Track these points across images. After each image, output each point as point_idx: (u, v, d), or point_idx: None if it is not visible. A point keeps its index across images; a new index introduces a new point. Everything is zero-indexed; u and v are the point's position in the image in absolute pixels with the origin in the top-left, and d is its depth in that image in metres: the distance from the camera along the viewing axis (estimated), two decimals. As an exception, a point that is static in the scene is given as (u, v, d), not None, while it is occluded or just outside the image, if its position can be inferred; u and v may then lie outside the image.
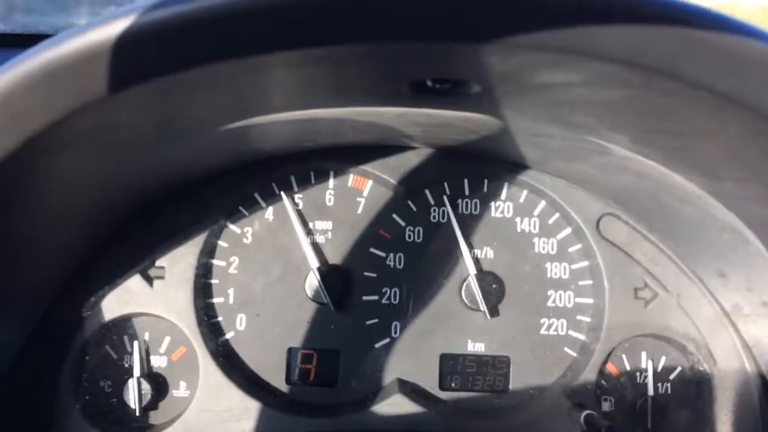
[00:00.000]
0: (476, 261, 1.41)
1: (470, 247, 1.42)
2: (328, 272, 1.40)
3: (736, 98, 0.80)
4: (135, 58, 0.77)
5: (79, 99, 0.79)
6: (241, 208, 1.44)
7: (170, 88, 0.87)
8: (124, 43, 0.75)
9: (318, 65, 0.89)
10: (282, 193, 1.44)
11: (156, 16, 0.74)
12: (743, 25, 0.77)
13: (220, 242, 1.43)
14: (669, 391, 1.39)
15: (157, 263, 1.41)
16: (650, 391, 1.37)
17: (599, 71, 0.82)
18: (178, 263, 1.40)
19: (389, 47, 0.82)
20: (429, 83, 0.97)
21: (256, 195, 1.44)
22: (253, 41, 0.77)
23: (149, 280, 1.40)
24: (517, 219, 1.44)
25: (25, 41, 1.02)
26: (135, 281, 1.40)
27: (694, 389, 1.39)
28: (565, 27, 0.75)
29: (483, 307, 1.38)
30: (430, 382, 1.41)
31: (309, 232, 1.43)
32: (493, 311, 1.40)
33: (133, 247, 1.40)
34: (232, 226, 1.44)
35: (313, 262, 1.40)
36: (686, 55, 0.77)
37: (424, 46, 0.82)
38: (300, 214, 1.43)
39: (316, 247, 1.42)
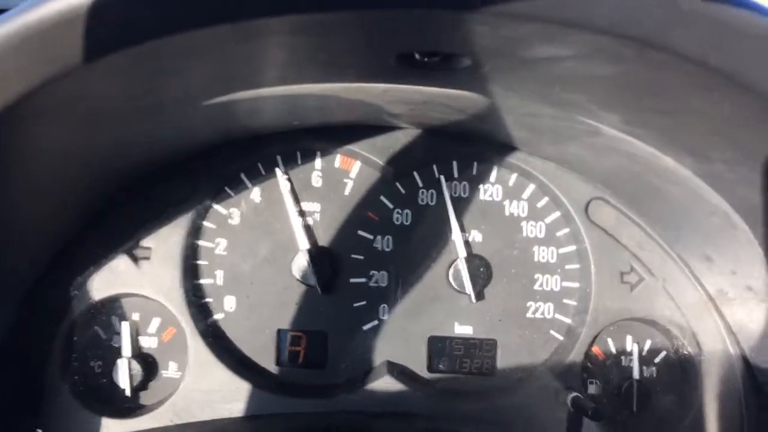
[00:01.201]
0: (466, 244, 1.41)
1: (458, 229, 1.41)
2: (316, 254, 1.40)
3: (729, 73, 0.78)
4: (111, 25, 0.75)
5: (55, 66, 0.78)
6: (227, 188, 1.43)
7: (152, 57, 0.85)
8: (100, 9, 0.73)
9: (304, 34, 0.87)
10: (274, 171, 1.42)
11: None
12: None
13: (206, 223, 1.43)
14: (654, 375, 1.40)
15: (143, 243, 1.40)
16: (635, 375, 1.38)
17: (591, 44, 0.81)
18: (164, 244, 1.40)
19: (378, 15, 0.80)
20: (417, 56, 0.95)
21: (242, 175, 1.43)
22: (238, 6, 0.75)
23: (135, 261, 1.39)
24: (506, 202, 1.44)
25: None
26: (121, 261, 1.39)
27: (679, 373, 1.40)
28: None
29: (469, 290, 1.38)
30: (418, 364, 1.42)
31: (296, 213, 1.42)
32: (480, 295, 1.40)
33: (118, 227, 1.39)
34: (218, 207, 1.43)
35: (304, 244, 1.40)
36: (679, 26, 0.75)
37: (413, 14, 0.80)
38: (288, 195, 1.42)
39: (306, 229, 1.42)
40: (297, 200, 1.42)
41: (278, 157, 1.43)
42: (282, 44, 0.91)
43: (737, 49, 0.76)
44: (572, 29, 0.76)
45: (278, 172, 1.42)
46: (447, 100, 1.15)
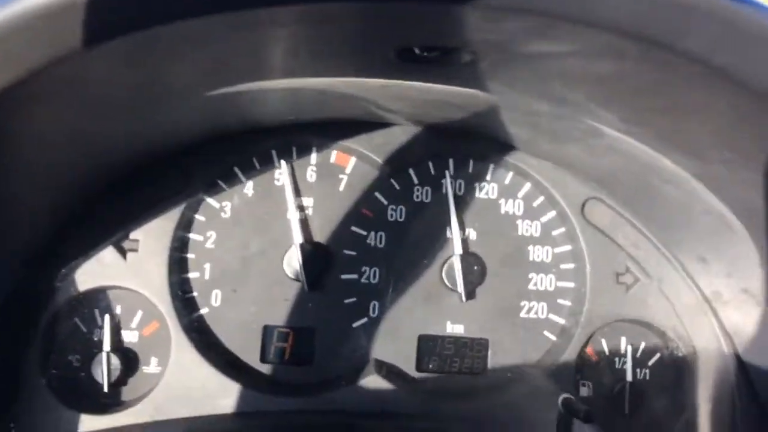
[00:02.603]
0: (463, 242, 1.39)
1: (451, 227, 1.40)
2: (308, 250, 1.38)
3: (731, 74, 0.79)
4: (113, 10, 0.75)
5: (56, 50, 0.77)
6: (220, 181, 1.40)
7: (151, 46, 0.85)
8: None
9: (304, 25, 0.87)
10: (268, 166, 1.41)
11: None
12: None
13: (197, 216, 1.40)
14: (647, 377, 1.39)
15: (132, 236, 1.37)
16: (629, 377, 1.37)
17: (594, 41, 0.81)
18: (153, 236, 1.37)
19: (378, 8, 0.80)
20: (417, 51, 0.95)
21: (236, 169, 1.41)
22: None
23: (123, 253, 1.36)
24: (501, 200, 1.43)
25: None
26: (108, 253, 1.36)
27: (673, 375, 1.39)
28: None
29: (461, 288, 1.36)
30: (407, 363, 1.39)
31: (296, 208, 1.40)
32: (471, 294, 1.38)
33: (107, 219, 1.36)
34: (210, 200, 1.40)
35: (297, 238, 1.37)
36: (688, 26, 0.75)
37: (415, 6, 0.80)
38: (289, 189, 1.39)
39: (300, 224, 1.39)
40: (299, 193, 1.41)
41: (273, 152, 1.41)
42: (282, 35, 0.91)
43: (741, 49, 0.77)
44: (578, 25, 0.76)
45: (282, 164, 1.40)
46: (447, 96, 1.15)
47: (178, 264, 1.38)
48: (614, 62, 0.87)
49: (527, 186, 1.43)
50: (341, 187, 1.42)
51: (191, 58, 0.96)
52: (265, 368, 1.39)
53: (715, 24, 0.75)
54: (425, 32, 0.90)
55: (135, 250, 1.37)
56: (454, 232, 1.39)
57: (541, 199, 1.43)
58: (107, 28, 0.77)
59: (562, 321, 1.40)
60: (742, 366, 1.31)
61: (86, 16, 0.74)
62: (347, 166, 1.42)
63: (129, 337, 1.38)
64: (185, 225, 1.39)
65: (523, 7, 0.75)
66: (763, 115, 0.85)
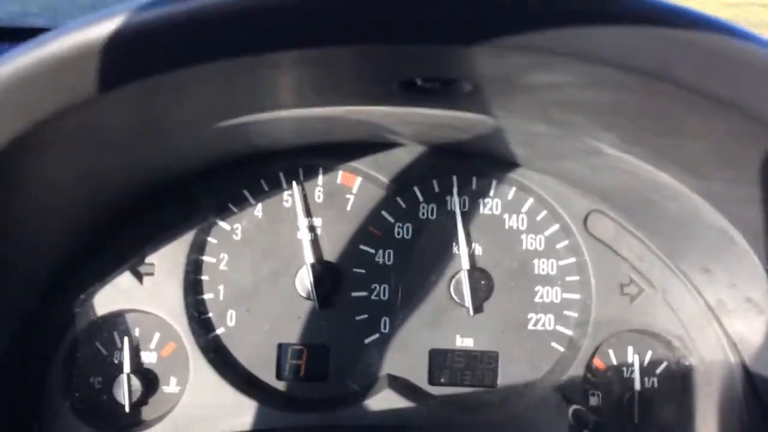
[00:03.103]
0: (470, 256, 1.42)
1: (459, 243, 1.43)
2: (318, 269, 1.41)
3: (728, 102, 0.81)
4: (126, 57, 0.77)
5: (68, 99, 0.79)
6: (230, 204, 1.44)
7: (159, 87, 0.88)
8: (116, 42, 0.75)
9: (307, 66, 0.90)
10: (277, 188, 1.44)
11: (147, 16, 0.74)
12: (737, 29, 0.78)
13: (209, 239, 1.44)
14: (655, 386, 1.41)
15: (147, 260, 1.41)
16: (637, 386, 1.39)
17: (592, 73, 0.83)
18: (168, 260, 1.41)
19: (378, 49, 0.83)
20: (419, 82, 0.97)
21: (245, 192, 1.44)
22: (243, 42, 0.77)
23: (139, 277, 1.40)
24: (506, 216, 1.45)
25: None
26: (125, 278, 1.40)
27: (680, 384, 1.40)
28: (556, 29, 0.76)
29: (468, 303, 1.39)
30: (419, 377, 1.42)
31: (299, 228, 1.43)
32: (478, 308, 1.41)
33: (122, 244, 1.40)
34: (221, 223, 1.44)
35: (309, 258, 1.41)
36: (680, 58, 0.77)
37: (413, 48, 0.82)
38: (300, 209, 1.43)
39: (310, 244, 1.42)
40: (309, 214, 1.44)
41: (281, 174, 1.45)
42: (285, 75, 0.93)
43: (739, 80, 0.78)
44: (572, 60, 0.79)
45: (294, 186, 1.43)
46: (448, 120, 1.18)
47: (193, 286, 1.42)
48: (613, 92, 0.89)
49: (530, 201, 1.45)
50: (348, 207, 1.45)
51: (198, 98, 0.99)
52: (281, 385, 1.42)
53: (712, 56, 0.77)
54: (427, 67, 0.92)
55: (151, 274, 1.41)
56: (461, 247, 1.42)
57: (544, 213, 1.45)
58: (122, 73, 0.79)
59: (569, 332, 1.43)
60: (747, 374, 1.32)
61: (100, 62, 0.76)
62: (353, 186, 1.45)
63: (148, 358, 1.42)
64: (198, 248, 1.43)
65: (524, 46, 0.77)
66: (762, 137, 0.86)
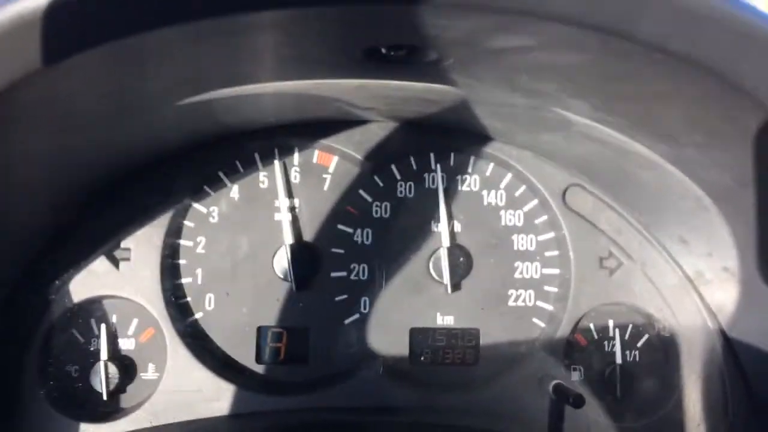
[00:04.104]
0: (451, 234, 1.41)
1: (438, 220, 1.42)
2: (296, 250, 1.40)
3: (689, 59, 0.80)
4: (70, 26, 0.75)
5: (15, 71, 0.78)
6: (205, 187, 1.42)
7: (120, 58, 0.86)
8: (57, 11, 0.73)
9: (269, 33, 0.88)
10: (252, 169, 1.42)
11: None
12: None
13: (186, 222, 1.42)
14: (637, 359, 1.40)
15: (123, 245, 1.39)
16: (618, 359, 1.39)
17: (553, 34, 0.82)
18: (144, 244, 1.39)
19: (331, 12, 0.82)
20: (383, 50, 0.96)
21: (221, 173, 1.43)
22: (197, 6, 0.76)
23: (115, 262, 1.38)
24: (484, 192, 1.44)
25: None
26: (100, 263, 1.38)
27: (661, 355, 1.40)
28: None
29: (447, 280, 1.38)
30: (400, 356, 1.41)
31: (277, 209, 1.42)
32: (456, 285, 1.40)
33: (97, 229, 1.38)
34: (197, 206, 1.42)
35: (288, 239, 1.39)
36: (637, 13, 0.77)
37: (362, 9, 0.81)
38: (282, 189, 1.41)
39: (286, 225, 1.41)
40: (291, 194, 1.43)
41: (256, 155, 1.43)
42: (246, 43, 0.92)
43: (696, 34, 0.78)
44: (532, 20, 0.78)
45: (276, 165, 1.42)
46: (419, 92, 1.17)
47: (170, 270, 1.40)
48: (576, 54, 0.89)
49: (508, 176, 1.45)
50: (325, 187, 1.44)
51: (160, 69, 0.98)
52: (261, 369, 1.41)
53: (667, 10, 0.76)
54: (386, 32, 0.91)
55: (127, 259, 1.39)
56: (441, 224, 1.41)
57: (523, 188, 1.44)
58: (66, 44, 0.77)
59: (549, 307, 1.42)
60: (727, 343, 1.32)
61: (43, 34, 0.74)
62: (330, 166, 1.44)
63: (125, 345, 1.40)
64: (175, 231, 1.41)
65: (472, 4, 0.76)
66: (728, 96, 0.86)
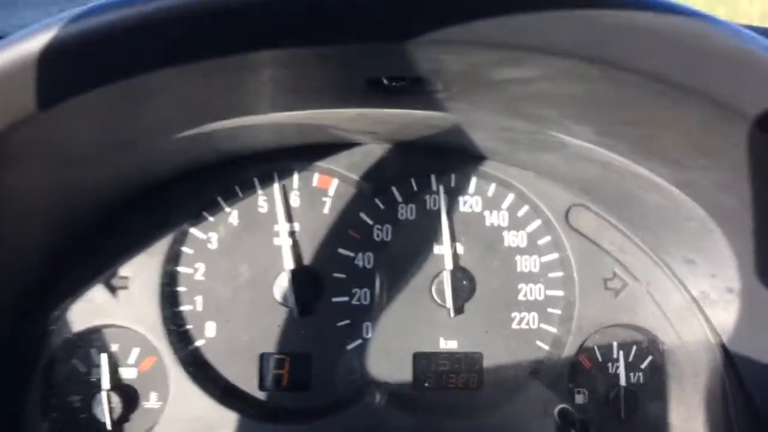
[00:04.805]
0: (453, 256, 1.39)
1: (440, 242, 1.40)
2: (297, 275, 1.38)
3: (692, 89, 0.80)
4: (64, 70, 0.74)
5: (9, 116, 0.76)
6: (204, 212, 1.40)
7: (117, 97, 0.84)
8: (53, 55, 0.72)
9: (268, 67, 0.87)
10: (251, 193, 1.41)
11: (83, 25, 0.71)
12: (699, 14, 0.77)
13: (184, 249, 1.40)
14: (641, 381, 1.40)
15: (121, 273, 1.38)
16: (622, 382, 1.38)
17: (555, 66, 0.81)
18: (142, 272, 1.37)
19: (333, 48, 0.81)
20: (385, 81, 0.95)
21: (219, 198, 1.41)
22: (193, 46, 0.75)
23: (113, 291, 1.37)
24: (486, 213, 1.43)
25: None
26: (98, 292, 1.36)
27: (666, 377, 1.39)
28: (515, 22, 0.74)
29: (449, 304, 1.37)
30: (403, 381, 1.40)
31: (276, 234, 1.40)
32: (460, 309, 1.39)
33: (94, 258, 1.37)
34: (196, 232, 1.40)
35: (288, 264, 1.38)
36: (641, 47, 0.76)
37: (366, 47, 0.80)
38: (281, 214, 1.39)
39: (286, 249, 1.39)
40: (290, 218, 1.41)
41: (255, 179, 1.41)
42: (248, 77, 0.90)
43: (698, 66, 0.77)
44: (532, 53, 0.76)
45: (276, 189, 1.40)
46: (419, 119, 1.15)
47: (169, 298, 1.39)
48: (579, 84, 0.88)
49: (511, 197, 1.43)
50: (325, 210, 1.42)
51: (157, 105, 0.96)
52: (264, 396, 1.40)
53: (670, 44, 0.75)
54: (389, 65, 0.90)
55: (125, 288, 1.37)
56: (444, 247, 1.39)
57: (526, 208, 1.43)
58: (61, 88, 0.76)
59: (553, 330, 1.41)
60: (732, 363, 1.32)
61: (38, 78, 0.73)
62: (330, 189, 1.42)
63: (127, 374, 1.39)
64: (173, 258, 1.40)
65: (472, 41, 0.75)
66: (730, 122, 0.85)
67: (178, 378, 1.35)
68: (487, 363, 1.40)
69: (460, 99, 1.04)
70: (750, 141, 0.88)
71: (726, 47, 0.76)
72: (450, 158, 1.42)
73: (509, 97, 1.01)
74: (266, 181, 1.41)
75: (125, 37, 0.72)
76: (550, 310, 1.41)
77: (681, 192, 1.15)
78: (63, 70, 0.74)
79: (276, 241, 1.40)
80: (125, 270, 1.38)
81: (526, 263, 1.42)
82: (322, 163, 1.41)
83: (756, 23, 1.93)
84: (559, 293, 1.41)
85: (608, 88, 0.87)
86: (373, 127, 1.25)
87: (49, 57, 0.72)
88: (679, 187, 1.14)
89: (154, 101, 0.93)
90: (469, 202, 1.43)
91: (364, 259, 1.41)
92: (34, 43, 0.72)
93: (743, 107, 0.81)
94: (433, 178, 1.42)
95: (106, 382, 1.35)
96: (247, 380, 1.40)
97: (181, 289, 1.40)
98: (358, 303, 1.40)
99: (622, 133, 1.08)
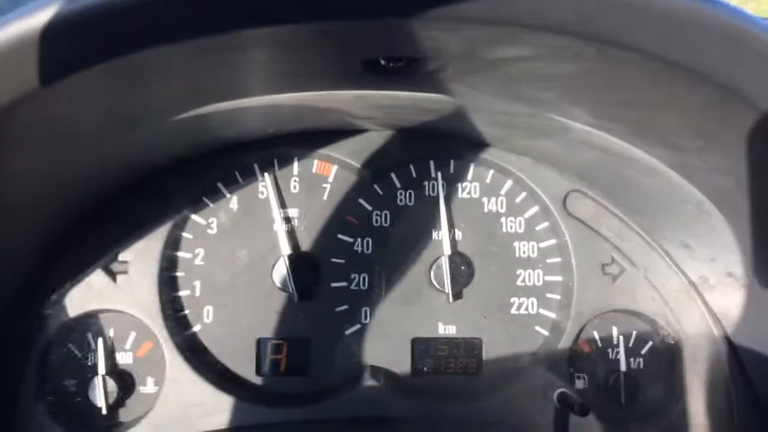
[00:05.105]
0: (452, 242, 1.40)
1: (439, 228, 1.41)
2: (296, 260, 1.38)
3: (688, 67, 0.80)
4: (66, 47, 0.75)
5: (13, 92, 0.77)
6: (204, 198, 1.41)
7: (118, 76, 0.85)
8: (55, 31, 0.73)
9: (265, 47, 0.88)
10: (252, 179, 1.41)
11: (84, 2, 0.72)
12: None
13: (184, 234, 1.41)
14: (641, 366, 1.39)
15: (120, 257, 1.38)
16: (622, 367, 1.37)
17: (551, 44, 0.82)
18: (142, 257, 1.37)
19: (328, 26, 0.81)
20: (382, 61, 0.96)
21: (219, 184, 1.41)
22: (193, 22, 0.75)
23: (112, 276, 1.37)
24: (484, 199, 1.43)
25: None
26: (98, 277, 1.36)
27: (666, 362, 1.39)
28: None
29: (448, 289, 1.37)
30: (402, 367, 1.39)
31: (282, 219, 1.41)
32: (458, 294, 1.39)
33: (94, 242, 1.37)
34: (196, 217, 1.41)
35: (286, 250, 1.38)
36: (635, 23, 0.76)
37: (359, 23, 0.81)
38: (275, 201, 1.40)
39: (287, 235, 1.40)
40: (284, 205, 1.41)
41: (255, 165, 1.42)
42: (246, 57, 0.91)
43: (693, 43, 0.77)
44: (530, 30, 0.77)
45: (267, 177, 1.41)
46: (418, 102, 1.16)
47: (168, 283, 1.39)
48: (574, 62, 0.88)
49: (509, 183, 1.44)
50: (325, 196, 1.42)
51: (157, 85, 0.97)
52: (262, 381, 1.39)
53: (664, 20, 0.76)
54: (385, 44, 0.91)
55: (125, 272, 1.37)
56: (443, 233, 1.40)
57: (524, 195, 1.43)
58: (62, 65, 0.77)
59: (552, 315, 1.41)
60: (732, 348, 1.31)
61: (40, 55, 0.74)
62: (329, 175, 1.43)
63: (123, 358, 1.38)
64: (173, 243, 1.40)
65: (467, 17, 0.76)
66: (727, 103, 0.85)
67: (174, 363, 1.35)
68: (486, 348, 1.40)
69: (457, 80, 1.05)
70: (746, 122, 0.88)
71: (722, 25, 0.76)
72: (449, 145, 1.43)
73: (506, 78, 1.02)
74: (266, 168, 1.42)
75: (125, 13, 0.72)
76: (548, 295, 1.41)
77: (678, 175, 1.15)
78: (64, 46, 0.75)
79: (275, 226, 1.40)
80: (125, 255, 1.38)
81: (524, 249, 1.42)
82: (322, 150, 1.42)
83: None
84: (558, 279, 1.41)
85: (604, 67, 0.87)
86: (370, 111, 1.26)
87: (50, 33, 0.73)
88: (676, 170, 1.15)
89: (152, 80, 0.94)
90: (467, 189, 1.43)
91: (362, 245, 1.41)
92: (35, 20, 0.73)
93: (740, 86, 0.81)
94: (431, 164, 1.43)
95: (102, 367, 1.35)
96: (244, 365, 1.39)
97: (179, 274, 1.40)
98: (356, 288, 1.40)
99: (619, 116, 1.09)
